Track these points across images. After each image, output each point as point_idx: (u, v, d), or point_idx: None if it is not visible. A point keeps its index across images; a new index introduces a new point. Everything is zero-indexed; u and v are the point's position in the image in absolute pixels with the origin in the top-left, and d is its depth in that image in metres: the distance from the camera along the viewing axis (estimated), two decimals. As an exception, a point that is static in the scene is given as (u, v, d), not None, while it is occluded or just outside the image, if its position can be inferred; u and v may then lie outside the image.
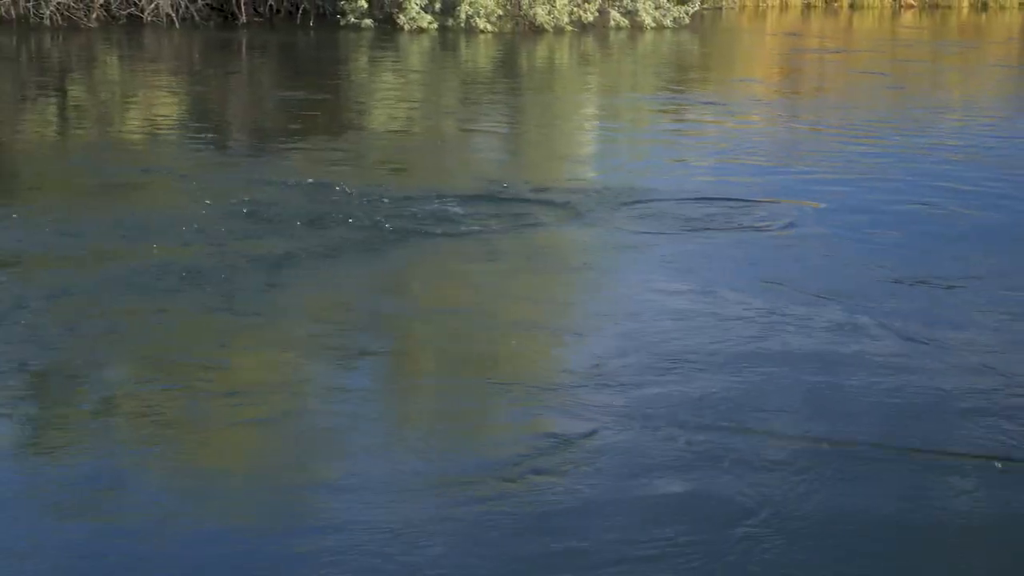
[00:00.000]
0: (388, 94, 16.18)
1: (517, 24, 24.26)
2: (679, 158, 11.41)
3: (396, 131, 13.14)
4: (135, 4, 24.04)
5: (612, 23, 25.05)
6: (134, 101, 14.90)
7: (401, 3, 23.90)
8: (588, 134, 13.30)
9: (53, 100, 14.94)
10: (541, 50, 21.76)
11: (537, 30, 24.03)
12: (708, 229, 8.32)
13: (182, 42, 21.75)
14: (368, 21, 24.12)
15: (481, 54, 21.18)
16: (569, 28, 24.33)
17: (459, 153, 11.90)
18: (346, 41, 22.37)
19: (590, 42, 23.16)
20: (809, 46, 25.21)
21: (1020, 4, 35.32)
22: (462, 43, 22.35)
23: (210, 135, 12.56)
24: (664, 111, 14.77)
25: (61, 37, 21.64)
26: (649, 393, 5.24)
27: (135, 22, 23.83)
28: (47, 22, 23.04)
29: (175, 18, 23.86)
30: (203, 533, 4.07)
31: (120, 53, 20.46)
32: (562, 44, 22.65)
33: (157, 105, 14.50)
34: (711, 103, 15.44)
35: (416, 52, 21.13)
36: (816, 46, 25.18)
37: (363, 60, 20.40)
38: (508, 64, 20.08)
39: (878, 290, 6.79)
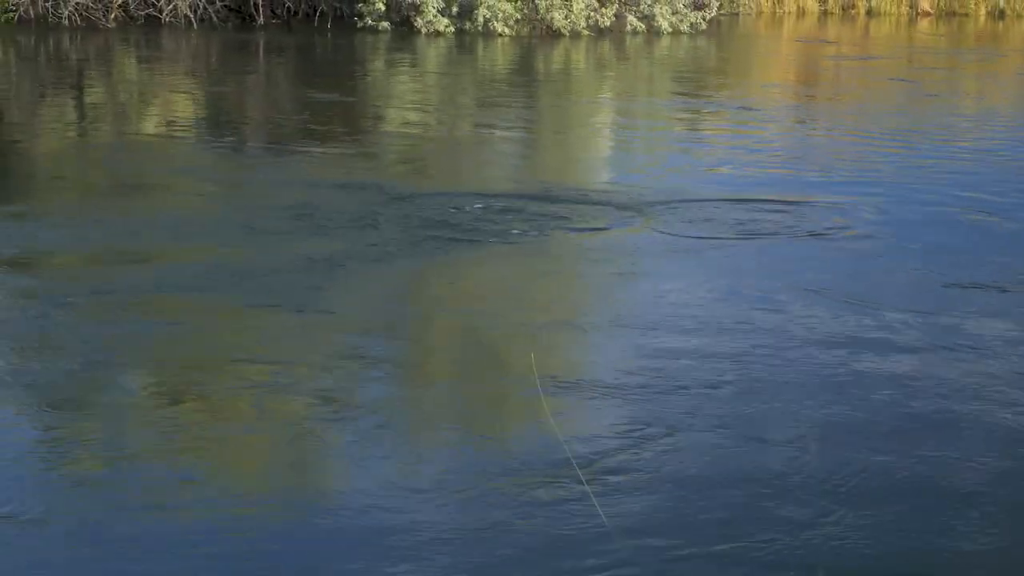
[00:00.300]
0: (411, 97, 16.28)
1: (534, 28, 24.28)
2: (715, 161, 11.50)
3: (423, 134, 13.24)
4: (153, 5, 24.10)
5: (629, 28, 25.06)
6: (155, 101, 14.99)
7: (418, 6, 23.93)
8: (620, 137, 13.40)
9: (75, 100, 15.04)
10: (562, 54, 21.81)
11: (554, 34, 24.05)
12: (759, 233, 8.39)
13: (201, 43, 21.83)
14: (385, 24, 24.16)
15: (501, 57, 21.24)
16: (586, 32, 24.34)
17: (492, 155, 11.99)
18: (364, 44, 22.42)
19: (610, 47, 23.21)
20: (831, 52, 25.22)
21: (1038, 12, 35.23)
22: (480, 47, 22.38)
23: (235, 136, 12.68)
24: (693, 115, 14.88)
25: (79, 37, 21.70)
26: (727, 399, 5.29)
27: (153, 23, 23.89)
28: (66, 22, 23.10)
29: (193, 19, 23.91)
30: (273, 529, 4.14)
31: (139, 53, 20.56)
32: (582, 48, 22.71)
33: (179, 105, 14.58)
34: (740, 107, 15.54)
35: (436, 55, 21.19)
36: (838, 52, 25.18)
37: (382, 63, 20.48)
38: (529, 68, 20.14)
39: (941, 296, 6.85)
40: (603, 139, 13.16)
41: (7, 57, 19.74)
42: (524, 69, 19.94)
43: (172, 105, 14.57)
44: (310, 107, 14.51)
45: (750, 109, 15.41)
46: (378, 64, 20.32)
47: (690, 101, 16.44)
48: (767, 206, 9.17)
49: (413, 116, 14.45)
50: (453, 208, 8.78)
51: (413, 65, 19.98)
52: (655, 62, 21.80)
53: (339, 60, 20.86)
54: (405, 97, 16.21)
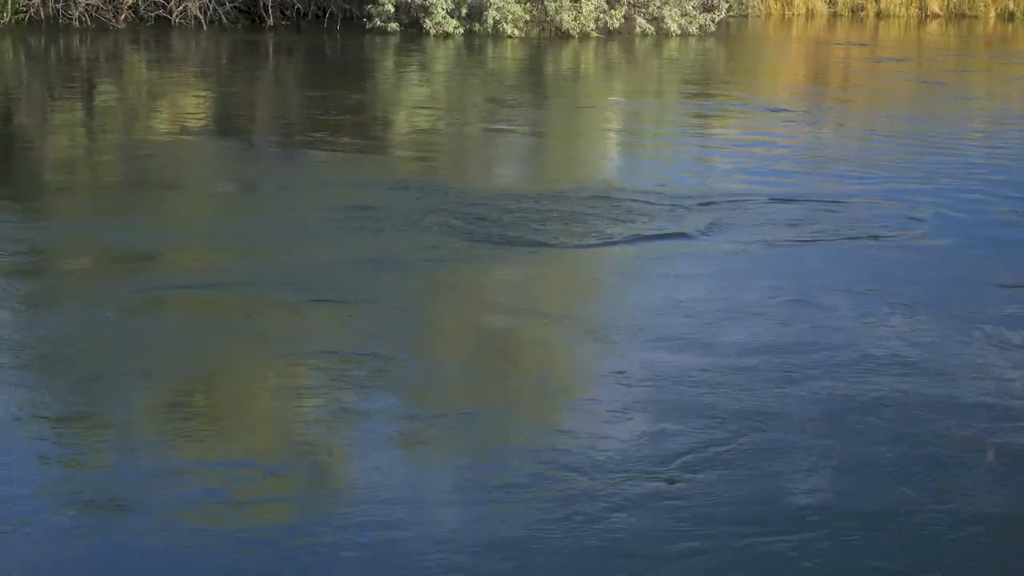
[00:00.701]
0: (427, 97, 16.39)
1: (543, 30, 24.35)
2: (758, 163, 11.46)
3: (446, 133, 13.34)
4: (163, 6, 24.21)
5: (638, 29, 25.12)
6: (172, 102, 15.11)
7: (427, 8, 24.00)
8: (653, 140, 13.39)
9: (89, 101, 15.14)
10: (575, 56, 21.87)
11: (563, 36, 24.12)
12: (814, 237, 8.34)
13: (212, 44, 21.92)
14: (394, 25, 24.24)
15: (513, 58, 21.31)
16: (595, 34, 24.41)
17: (522, 156, 12.04)
18: (373, 45, 22.49)
19: (621, 48, 23.26)
20: (848, 54, 25.26)
21: (1048, 15, 35.26)
22: (490, 48, 22.45)
23: (256, 137, 12.82)
24: (724, 116, 14.98)
25: (90, 38, 21.80)
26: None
27: (163, 24, 24.00)
28: (76, 23, 23.22)
29: (203, 20, 24.02)
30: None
31: (150, 54, 20.65)
32: (594, 50, 22.76)
33: (195, 106, 14.72)
34: (768, 109, 15.70)
35: (447, 56, 21.26)
36: (853, 54, 25.21)
37: (395, 64, 20.56)
38: (543, 69, 20.23)
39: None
40: (640, 141, 13.19)
41: (18, 58, 19.85)
42: (538, 70, 20.04)
43: (188, 106, 14.68)
44: (326, 107, 14.63)
45: (778, 110, 15.49)
46: (390, 65, 20.41)
47: (719, 102, 16.54)
48: (821, 207, 9.20)
49: (429, 117, 14.56)
50: (500, 208, 8.80)
51: (424, 66, 20.08)
52: (672, 63, 21.87)
53: (350, 61, 20.95)
54: (422, 98, 16.32)
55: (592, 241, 8.08)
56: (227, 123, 13.57)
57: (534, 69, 20.10)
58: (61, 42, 21.27)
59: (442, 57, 21.12)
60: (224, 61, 20.05)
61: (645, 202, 9.14)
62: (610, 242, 8.10)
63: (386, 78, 18.64)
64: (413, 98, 16.22)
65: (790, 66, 22.87)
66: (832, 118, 15.33)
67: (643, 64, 21.79)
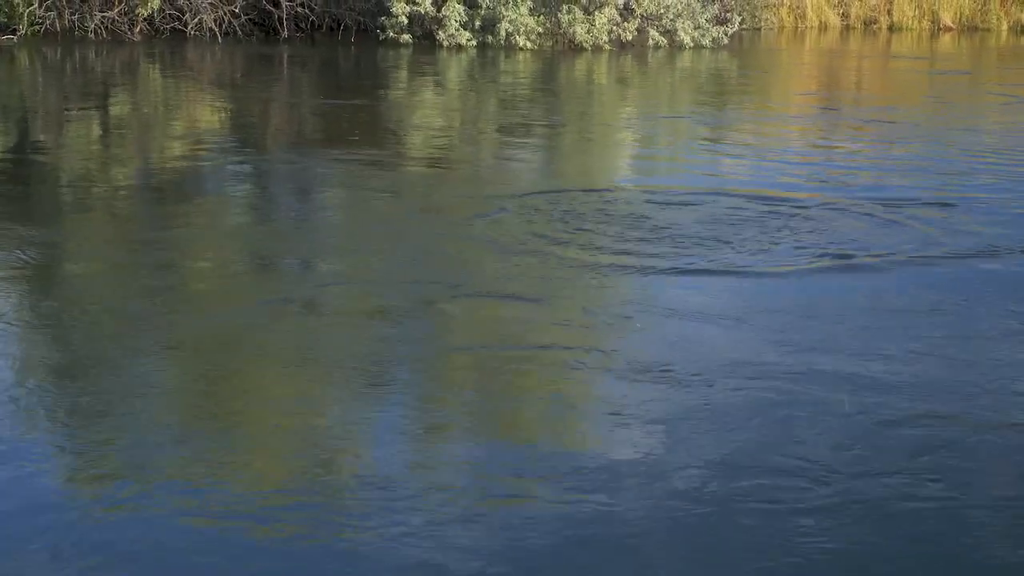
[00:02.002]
0: (449, 107, 16.49)
1: (556, 42, 24.55)
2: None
3: (472, 144, 13.45)
4: (179, 18, 24.45)
5: (651, 42, 25.30)
6: (193, 114, 15.32)
7: (441, 20, 24.21)
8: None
9: (107, 113, 15.32)
10: (595, 68, 22.03)
11: (576, 48, 24.31)
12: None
13: (227, 56, 22.13)
14: (407, 37, 24.46)
15: (526, 70, 21.46)
16: (608, 47, 24.59)
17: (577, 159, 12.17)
18: (387, 57, 22.70)
19: (636, 60, 23.41)
20: (866, 66, 25.40)
21: (1061, 27, 35.37)
22: (504, 60, 22.65)
23: (289, 148, 12.91)
24: (767, 125, 15.06)
25: (105, 51, 22.03)
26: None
27: (178, 36, 24.24)
28: (91, 35, 23.46)
29: (218, 33, 24.25)
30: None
31: (167, 66, 20.87)
32: (609, 62, 22.91)
33: (227, 118, 14.87)
34: (799, 117, 15.72)
35: (461, 68, 21.43)
36: (870, 66, 25.35)
37: (414, 75, 20.74)
38: (561, 80, 20.38)
39: None
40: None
41: (34, 69, 20.08)
42: (559, 82, 20.20)
43: (205, 117, 14.88)
44: (350, 118, 14.82)
45: (824, 120, 15.65)
46: (404, 77, 20.58)
47: (754, 113, 16.66)
48: (915, 220, 9.23)
49: (447, 128, 14.72)
50: (566, 221, 8.92)
51: (439, 77, 20.26)
52: (693, 76, 22.01)
53: (365, 73, 21.13)
54: (440, 110, 16.47)
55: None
56: (259, 135, 13.76)
57: (549, 81, 20.27)
58: (77, 54, 21.49)
59: (455, 69, 21.31)
60: (239, 73, 20.26)
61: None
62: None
63: (402, 90, 18.82)
64: (432, 110, 16.40)
65: (818, 78, 23.01)
66: (892, 133, 15.40)
67: (666, 77, 21.94)
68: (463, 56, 22.97)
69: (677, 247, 8.15)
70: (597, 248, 8.11)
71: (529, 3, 24.45)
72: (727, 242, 8.36)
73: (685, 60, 23.92)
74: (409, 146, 13.22)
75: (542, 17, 24.50)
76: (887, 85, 21.92)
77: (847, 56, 27.80)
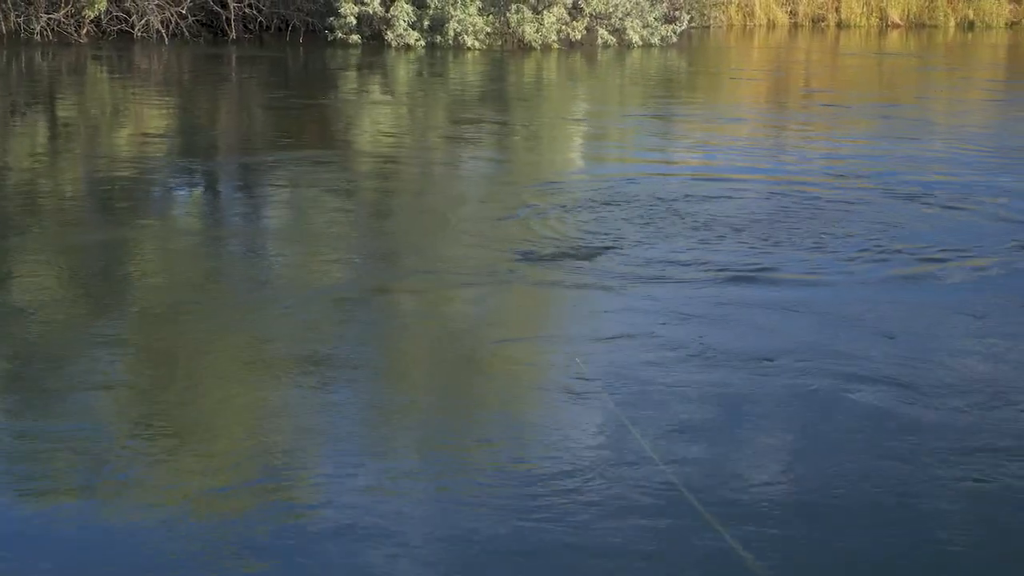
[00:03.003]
0: (395, 111, 16.54)
1: (505, 42, 24.64)
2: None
3: (416, 149, 13.50)
4: (125, 20, 24.38)
5: (600, 41, 25.44)
6: (139, 116, 15.28)
7: (389, 20, 24.26)
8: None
9: (53, 115, 15.28)
10: (548, 67, 22.11)
11: (525, 48, 24.41)
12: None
13: (174, 58, 22.10)
14: (356, 37, 24.51)
15: (474, 70, 21.53)
16: (556, 46, 24.70)
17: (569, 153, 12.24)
18: (335, 57, 22.73)
19: (591, 59, 23.56)
20: (815, 60, 25.62)
21: (1005, 24, 35.80)
22: (452, 60, 22.72)
23: (249, 150, 12.92)
24: (691, 124, 15.15)
25: (52, 53, 21.96)
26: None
27: (125, 38, 24.20)
28: (38, 37, 23.37)
29: (165, 34, 24.20)
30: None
31: (113, 68, 20.82)
32: (559, 61, 23.01)
33: (163, 119, 14.85)
34: (771, 115, 15.84)
35: (408, 68, 21.48)
36: (820, 60, 25.58)
37: (363, 76, 20.76)
38: (510, 79, 20.44)
39: None
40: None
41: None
42: (503, 81, 20.27)
43: (165, 120, 14.89)
44: (298, 118, 14.84)
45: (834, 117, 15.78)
46: (353, 77, 20.60)
47: (704, 108, 16.78)
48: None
49: (397, 129, 14.77)
50: (528, 221, 8.87)
51: (387, 77, 20.30)
52: (648, 74, 22.14)
53: (314, 73, 21.14)
54: (392, 108, 16.52)
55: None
56: (193, 136, 13.76)
57: (498, 80, 20.35)
58: (23, 56, 21.41)
59: (404, 69, 21.36)
60: (187, 75, 20.23)
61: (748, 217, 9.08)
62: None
63: (350, 90, 18.85)
64: (380, 109, 16.44)
65: (795, 75, 23.20)
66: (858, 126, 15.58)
67: (614, 74, 22.06)
68: (411, 56, 23.03)
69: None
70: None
71: (478, 3, 24.56)
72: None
73: (635, 58, 24.06)
74: (357, 146, 13.27)
75: (491, 17, 24.61)
76: (852, 78, 22.13)
77: (797, 51, 28.03)
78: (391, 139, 13.68)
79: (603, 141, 13.81)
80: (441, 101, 17.19)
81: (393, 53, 23.34)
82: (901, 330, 6.32)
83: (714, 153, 12.63)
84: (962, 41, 31.95)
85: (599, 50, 25.06)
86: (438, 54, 23.43)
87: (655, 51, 25.38)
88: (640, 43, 25.81)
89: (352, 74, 20.90)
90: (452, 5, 24.31)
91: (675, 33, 26.83)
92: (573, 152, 12.98)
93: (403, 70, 21.19)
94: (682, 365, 5.75)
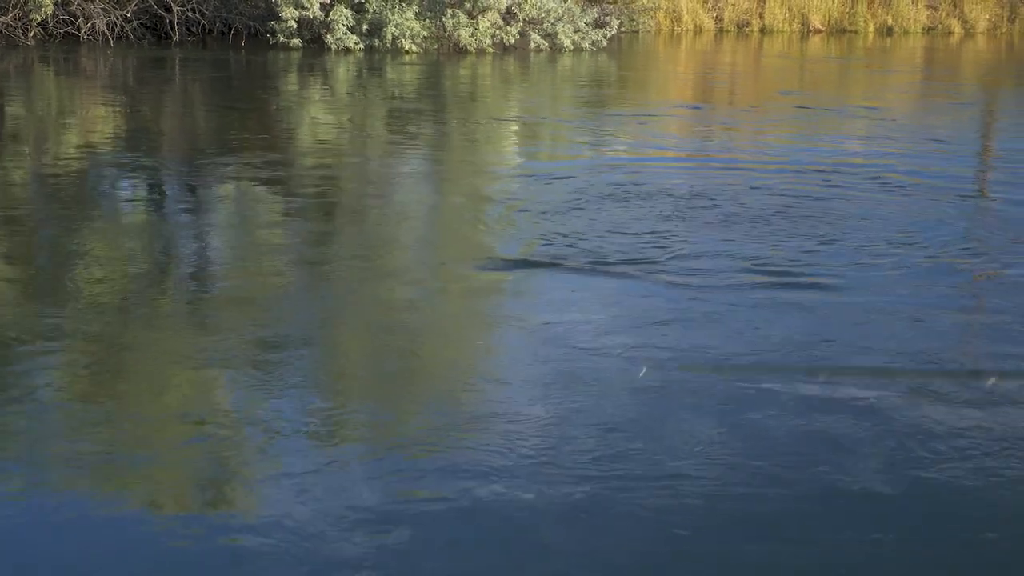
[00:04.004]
0: (334, 110, 16.84)
1: (441, 45, 25.03)
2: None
3: (352, 148, 13.81)
4: (72, 23, 24.55)
5: (532, 45, 25.86)
6: (80, 117, 15.48)
7: (329, 24, 24.58)
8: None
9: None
10: (480, 70, 22.47)
11: (460, 51, 24.81)
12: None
13: (119, 60, 22.26)
14: (297, 41, 24.79)
15: (412, 73, 21.86)
16: (491, 50, 25.12)
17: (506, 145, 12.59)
18: (276, 60, 22.98)
19: (524, 63, 23.92)
20: (765, 66, 26.15)
21: (923, 29, 36.59)
22: (390, 63, 23.03)
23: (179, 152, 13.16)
24: (616, 126, 15.56)
25: (-1, 54, 22.09)
26: None
27: (72, 40, 24.36)
28: (-16, 40, 23.49)
29: (110, 37, 24.40)
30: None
31: (59, 70, 20.97)
32: (493, 65, 23.36)
33: (109, 121, 15.06)
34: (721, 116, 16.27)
35: (359, 70, 21.78)
36: (744, 62, 26.11)
37: (303, 78, 21.01)
38: (446, 82, 20.78)
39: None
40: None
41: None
42: (440, 84, 20.62)
43: (110, 122, 15.10)
44: (240, 121, 15.10)
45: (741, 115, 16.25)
46: (293, 80, 20.88)
47: (634, 110, 17.20)
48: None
49: (336, 131, 15.09)
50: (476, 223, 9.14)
51: (327, 80, 20.59)
52: (579, 75, 22.55)
53: (255, 76, 21.38)
54: (332, 110, 16.81)
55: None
56: (137, 139, 14.01)
57: (435, 82, 20.71)
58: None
59: (343, 72, 21.67)
60: (132, 77, 20.44)
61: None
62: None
63: (291, 93, 19.14)
64: (320, 111, 16.74)
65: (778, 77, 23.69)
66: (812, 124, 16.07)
67: (546, 77, 22.47)
68: (351, 59, 23.35)
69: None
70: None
71: (415, 7, 24.93)
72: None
73: (566, 62, 24.49)
74: (299, 145, 13.57)
75: (427, 21, 24.98)
76: (782, 78, 22.68)
77: (723, 55, 28.59)
78: (332, 139, 14.04)
79: (537, 139, 14.22)
80: (380, 102, 17.55)
81: (333, 56, 23.65)
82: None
83: (649, 148, 13.09)
84: (881, 45, 32.62)
85: (532, 54, 25.48)
86: (376, 57, 23.76)
87: (586, 55, 25.83)
88: (571, 47, 26.26)
89: (293, 76, 21.18)
90: (390, 9, 24.67)
91: (605, 38, 27.31)
92: (512, 148, 13.39)
93: (343, 73, 21.51)
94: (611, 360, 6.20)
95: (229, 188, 10.62)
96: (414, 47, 24.59)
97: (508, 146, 13.55)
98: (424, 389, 5.69)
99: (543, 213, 9.27)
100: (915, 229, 8.92)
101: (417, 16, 24.92)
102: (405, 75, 21.61)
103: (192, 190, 10.58)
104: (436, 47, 25.07)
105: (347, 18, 24.66)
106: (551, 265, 7.70)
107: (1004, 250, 8.39)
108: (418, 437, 5.03)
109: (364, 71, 21.87)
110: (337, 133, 14.61)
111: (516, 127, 15.08)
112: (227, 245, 8.55)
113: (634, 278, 7.42)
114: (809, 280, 7.42)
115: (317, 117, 15.90)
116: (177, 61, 22.54)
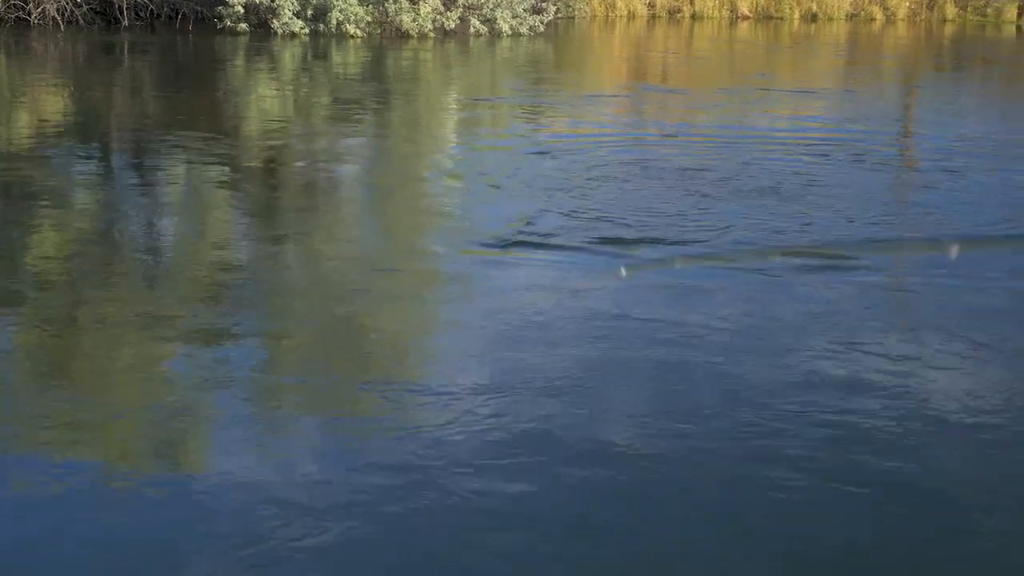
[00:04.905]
0: (281, 97, 16.88)
1: (384, 30, 25.11)
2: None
3: (296, 130, 13.89)
4: (22, 7, 24.40)
5: (472, 30, 25.99)
6: (29, 100, 15.44)
7: (275, 9, 24.58)
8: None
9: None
10: (421, 54, 22.55)
11: (402, 36, 24.90)
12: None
13: (69, 44, 22.15)
14: (243, 26, 24.77)
15: (359, 56, 21.92)
16: (432, 34, 25.23)
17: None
18: (224, 45, 22.93)
19: (459, 47, 24.02)
20: (688, 49, 26.39)
21: (846, 16, 37.05)
22: (335, 47, 23.07)
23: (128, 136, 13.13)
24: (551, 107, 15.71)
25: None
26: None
27: (22, 25, 24.21)
28: (-64, 25, 23.29)
29: (60, 21, 24.27)
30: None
31: (10, 54, 20.84)
32: (434, 49, 23.46)
33: (61, 105, 15.03)
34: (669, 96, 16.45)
35: (305, 55, 21.80)
36: (694, 51, 26.36)
37: (250, 63, 20.99)
38: (389, 65, 20.85)
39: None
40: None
41: None
42: (389, 66, 20.69)
43: (59, 106, 15.07)
44: (187, 105, 15.11)
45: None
46: (240, 64, 20.87)
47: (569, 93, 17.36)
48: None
49: (291, 110, 15.15)
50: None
51: (273, 64, 20.60)
52: (516, 59, 22.69)
53: (203, 61, 21.36)
54: (278, 93, 16.85)
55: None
56: (86, 123, 14.01)
57: (379, 66, 20.78)
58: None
59: (289, 56, 21.68)
60: (81, 61, 20.36)
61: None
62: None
63: (237, 77, 19.15)
64: (266, 94, 16.78)
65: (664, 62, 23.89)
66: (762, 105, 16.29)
67: (485, 61, 22.60)
68: (296, 44, 23.36)
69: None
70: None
71: (359, -7, 25.00)
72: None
73: (504, 46, 24.64)
74: (246, 127, 13.61)
75: (371, 6, 25.05)
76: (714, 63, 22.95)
77: (655, 41, 28.85)
78: (278, 120, 14.11)
79: (478, 120, 14.38)
80: (325, 85, 17.62)
81: (279, 41, 23.65)
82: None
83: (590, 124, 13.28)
84: (807, 32, 33.02)
85: (471, 39, 25.61)
86: (321, 42, 23.79)
87: (524, 40, 25.99)
88: (510, 32, 26.41)
89: (240, 60, 21.17)
90: (334, -5, 24.72)
91: (542, 23, 27.49)
92: (451, 128, 13.56)
93: (289, 57, 21.53)
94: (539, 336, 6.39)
95: (177, 167, 10.62)
96: (358, 32, 24.65)
97: (447, 126, 13.71)
98: (368, 353, 5.86)
99: (486, 184, 9.47)
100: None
101: (361, 2, 24.98)
102: (350, 58, 21.67)
103: (140, 170, 10.58)
104: (379, 31, 25.14)
105: (293, 3, 24.67)
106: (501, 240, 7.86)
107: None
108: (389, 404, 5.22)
109: (310, 55, 21.91)
110: (282, 114, 14.69)
111: (455, 107, 15.23)
112: (175, 221, 8.60)
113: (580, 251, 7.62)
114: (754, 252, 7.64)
115: (263, 101, 15.94)
116: (126, 45, 22.46)
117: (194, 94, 16.18)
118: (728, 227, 8.19)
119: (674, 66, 22.83)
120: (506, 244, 7.71)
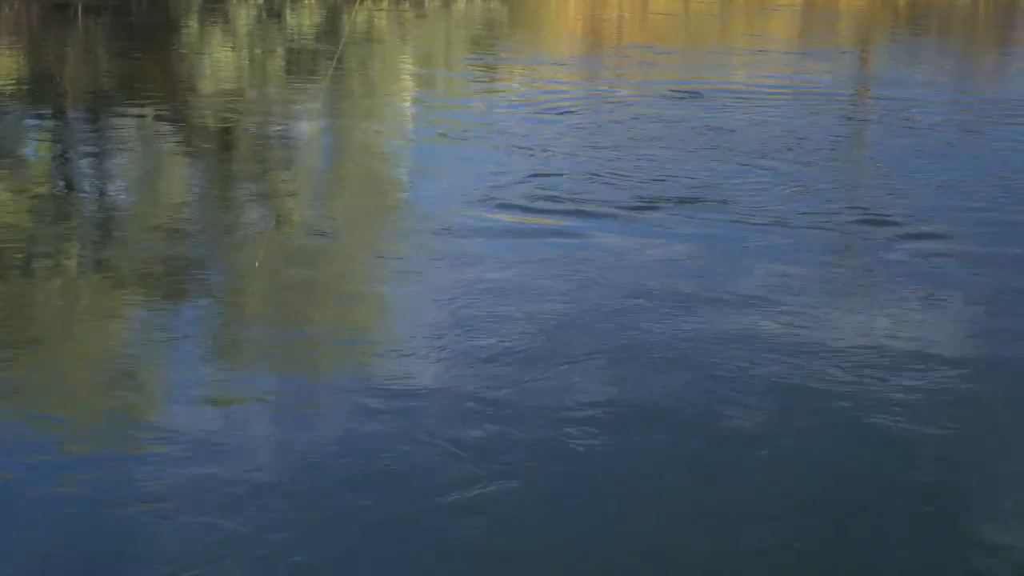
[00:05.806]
0: (235, 58, 16.45)
1: (340, -9, 24.58)
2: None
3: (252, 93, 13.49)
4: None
5: (427, -7, 25.50)
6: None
7: (230, -30, 23.98)
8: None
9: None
10: (378, 16, 22.09)
11: (358, -4, 24.37)
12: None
13: (23, 5, 21.52)
14: (199, -13, 24.16)
15: (311, 19, 21.45)
16: (388, -6, 24.72)
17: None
18: (179, 5, 22.34)
19: (420, 10, 23.56)
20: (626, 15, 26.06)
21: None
22: (289, 9, 22.55)
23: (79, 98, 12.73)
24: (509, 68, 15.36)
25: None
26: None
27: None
28: None
29: (13, -18, 23.59)
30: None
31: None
32: (395, 12, 23.00)
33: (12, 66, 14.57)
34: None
35: (260, 16, 21.30)
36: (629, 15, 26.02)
37: (205, 24, 20.49)
38: (344, 27, 20.40)
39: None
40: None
41: None
42: (344, 27, 20.24)
43: (12, 66, 14.62)
44: (143, 66, 14.66)
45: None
46: (198, 25, 20.35)
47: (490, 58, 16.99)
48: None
49: (247, 71, 14.75)
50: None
51: (228, 25, 20.11)
52: (473, 22, 22.28)
53: (160, 21, 20.79)
54: (235, 55, 16.41)
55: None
56: (41, 84, 13.57)
57: (333, 27, 20.33)
58: None
59: (244, 16, 21.16)
60: (35, 22, 19.77)
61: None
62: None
63: (193, 37, 18.65)
64: (223, 56, 16.35)
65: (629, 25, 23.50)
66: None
67: (440, 24, 22.20)
68: (251, 4, 22.80)
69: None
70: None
71: (314, -46, 24.42)
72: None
73: (459, 9, 24.17)
74: (202, 87, 13.21)
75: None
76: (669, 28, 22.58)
77: (610, 6, 28.46)
78: (232, 80, 13.66)
79: (432, 80, 14.02)
80: (279, 49, 17.17)
81: (235, 2, 23.06)
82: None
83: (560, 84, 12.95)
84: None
85: (427, 1, 25.11)
86: (276, 2, 23.22)
87: (478, 3, 25.51)
88: (464, -6, 25.93)
89: (195, 21, 20.63)
90: (290, -44, 24.15)
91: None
92: (404, 90, 13.20)
93: (244, 17, 20.99)
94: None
95: (132, 128, 10.25)
96: (313, -7, 24.11)
97: (399, 89, 13.33)
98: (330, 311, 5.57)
99: (437, 137, 9.18)
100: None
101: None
102: (304, 20, 21.15)
103: (96, 130, 10.23)
104: (335, -7, 24.61)
105: (248, -36, 24.10)
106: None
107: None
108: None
109: (264, 16, 21.36)
110: (237, 74, 14.25)
111: (409, 68, 14.83)
112: (133, 181, 8.28)
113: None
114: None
115: (219, 62, 15.49)
116: (80, 6, 21.81)
117: (148, 54, 15.66)
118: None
119: (628, 33, 22.46)
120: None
